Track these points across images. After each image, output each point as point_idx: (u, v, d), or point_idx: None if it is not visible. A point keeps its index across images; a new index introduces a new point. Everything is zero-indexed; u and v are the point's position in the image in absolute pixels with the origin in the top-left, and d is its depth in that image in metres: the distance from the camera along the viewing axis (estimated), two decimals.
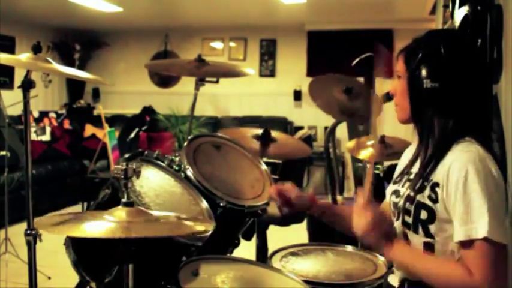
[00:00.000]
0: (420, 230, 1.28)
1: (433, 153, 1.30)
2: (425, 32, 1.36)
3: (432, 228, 1.25)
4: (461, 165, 1.19)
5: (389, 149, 2.27)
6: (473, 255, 1.16)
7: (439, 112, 1.29)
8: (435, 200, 1.24)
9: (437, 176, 1.25)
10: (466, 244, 1.17)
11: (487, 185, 1.16)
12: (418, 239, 1.30)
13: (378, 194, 1.54)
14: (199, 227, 1.26)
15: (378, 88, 1.22)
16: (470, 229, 1.15)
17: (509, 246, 1.17)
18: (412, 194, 1.31)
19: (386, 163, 2.16)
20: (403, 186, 1.38)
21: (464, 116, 1.29)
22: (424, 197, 1.27)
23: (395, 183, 1.45)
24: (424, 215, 1.27)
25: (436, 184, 1.24)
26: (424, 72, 1.27)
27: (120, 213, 1.18)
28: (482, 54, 1.35)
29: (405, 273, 1.35)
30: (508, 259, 1.21)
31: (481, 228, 1.14)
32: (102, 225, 1.13)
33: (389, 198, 1.46)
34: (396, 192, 1.41)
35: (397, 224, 1.37)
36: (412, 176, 1.37)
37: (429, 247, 1.28)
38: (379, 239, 1.31)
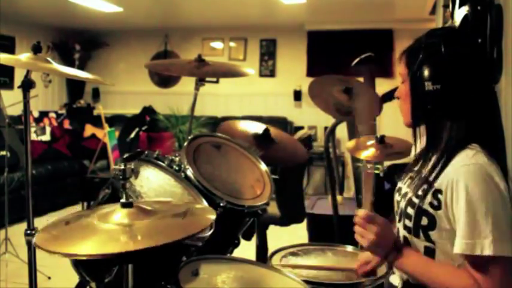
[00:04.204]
0: (421, 234, 1.27)
1: (437, 159, 1.26)
2: (426, 31, 1.33)
3: (433, 234, 1.24)
4: (465, 179, 1.16)
5: (390, 149, 2.26)
6: (480, 271, 1.14)
7: (443, 116, 1.26)
8: (437, 207, 1.22)
9: (440, 183, 1.23)
10: (470, 256, 1.16)
11: (492, 200, 1.14)
12: (419, 243, 1.29)
13: (378, 194, 1.53)
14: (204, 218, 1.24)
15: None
16: (473, 244, 1.14)
17: None
18: (413, 198, 1.29)
19: (387, 163, 2.15)
20: (404, 184, 1.38)
21: (469, 120, 1.25)
22: (425, 204, 1.25)
23: (400, 180, 1.44)
24: (424, 221, 1.25)
25: (439, 191, 1.22)
26: (425, 74, 1.24)
27: (120, 217, 1.16)
28: (483, 52, 1.32)
29: (414, 280, 1.33)
30: None
31: (486, 246, 1.12)
32: (103, 239, 1.10)
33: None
34: (399, 190, 1.40)
35: (399, 226, 1.37)
36: (413, 174, 1.36)
37: (430, 251, 1.27)
38: (387, 251, 1.28)
